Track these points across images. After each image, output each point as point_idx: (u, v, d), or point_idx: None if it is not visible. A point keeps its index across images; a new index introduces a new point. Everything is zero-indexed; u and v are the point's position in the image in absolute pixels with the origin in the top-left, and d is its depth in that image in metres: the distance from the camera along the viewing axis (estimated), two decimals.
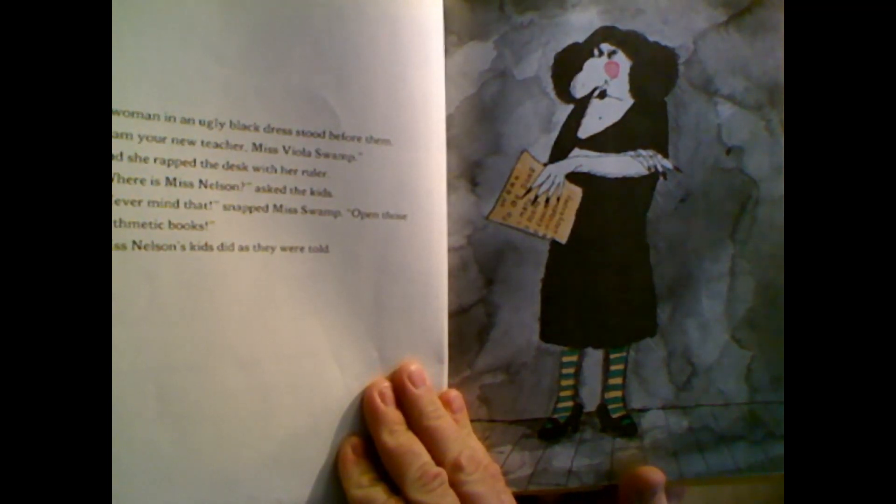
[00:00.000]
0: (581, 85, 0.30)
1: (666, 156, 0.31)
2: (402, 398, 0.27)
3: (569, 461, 0.30)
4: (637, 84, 0.31)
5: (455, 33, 0.30)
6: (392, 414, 0.27)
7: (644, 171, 0.31)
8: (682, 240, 0.31)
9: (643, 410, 0.31)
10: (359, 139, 0.28)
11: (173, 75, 0.24)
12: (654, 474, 0.30)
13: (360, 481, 0.26)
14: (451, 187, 0.29)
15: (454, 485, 0.25)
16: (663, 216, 0.31)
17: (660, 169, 0.31)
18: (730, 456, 0.31)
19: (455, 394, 0.29)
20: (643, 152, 0.31)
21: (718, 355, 0.32)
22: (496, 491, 0.26)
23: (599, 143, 0.31)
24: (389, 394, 0.27)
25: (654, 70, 0.31)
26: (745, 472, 0.31)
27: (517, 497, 0.28)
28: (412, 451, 0.26)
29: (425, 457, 0.26)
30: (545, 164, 0.30)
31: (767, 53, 0.32)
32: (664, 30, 0.31)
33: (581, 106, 0.31)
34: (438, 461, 0.26)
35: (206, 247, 0.25)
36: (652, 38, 0.31)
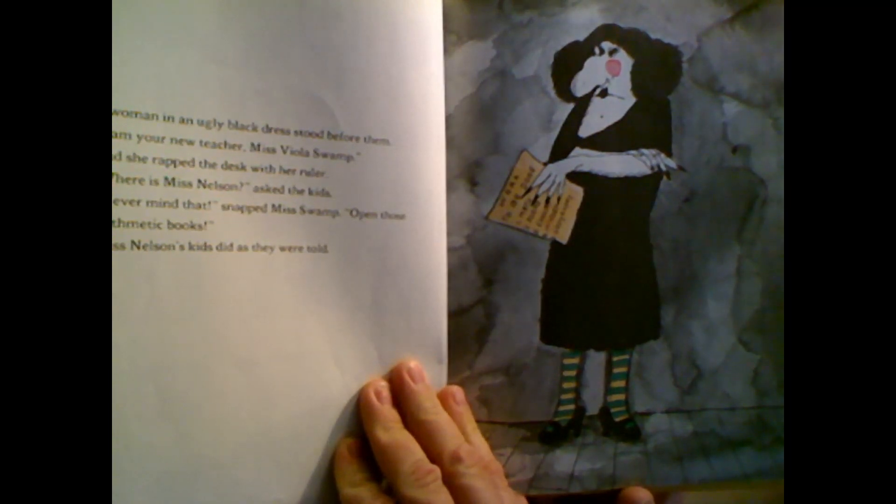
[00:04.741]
0: (582, 83, 0.30)
1: (669, 155, 0.31)
2: (400, 393, 0.27)
3: (570, 465, 0.30)
4: (639, 82, 0.30)
5: (454, 32, 0.29)
6: (387, 412, 0.27)
7: (647, 171, 0.31)
8: (686, 240, 0.31)
9: (647, 414, 0.31)
10: (357, 139, 0.27)
11: (172, 75, 0.24)
12: (639, 492, 0.29)
13: (353, 479, 0.26)
14: (450, 187, 0.29)
15: (451, 477, 0.25)
16: (667, 216, 0.31)
17: (663, 168, 0.31)
18: (736, 461, 0.31)
19: (457, 388, 0.29)
20: (646, 151, 0.31)
21: (725, 358, 0.31)
22: (495, 487, 0.25)
23: (601, 142, 0.30)
24: (386, 393, 0.27)
25: (657, 68, 0.31)
26: (752, 477, 0.31)
27: None
28: (406, 448, 0.25)
29: (419, 454, 0.25)
30: (545, 164, 0.30)
31: (775, 50, 0.31)
32: (667, 27, 0.31)
33: (582, 105, 0.30)
34: (435, 455, 0.25)
35: (205, 247, 0.25)
36: (654, 36, 0.31)
